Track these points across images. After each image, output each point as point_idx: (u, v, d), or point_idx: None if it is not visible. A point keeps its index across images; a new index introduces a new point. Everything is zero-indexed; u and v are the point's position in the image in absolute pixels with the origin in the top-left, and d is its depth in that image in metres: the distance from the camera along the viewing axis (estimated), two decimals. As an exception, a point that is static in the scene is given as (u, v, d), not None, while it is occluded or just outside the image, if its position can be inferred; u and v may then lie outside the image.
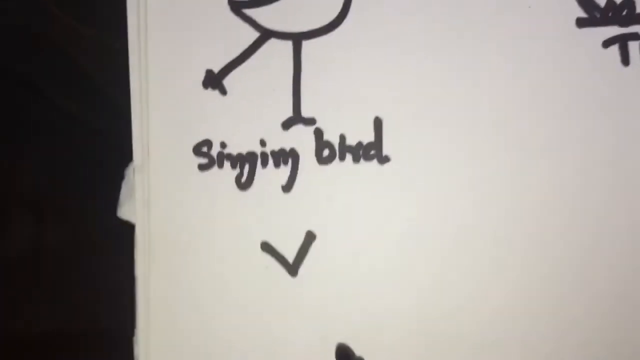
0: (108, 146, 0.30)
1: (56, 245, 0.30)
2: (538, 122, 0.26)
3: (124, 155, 0.29)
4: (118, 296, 0.29)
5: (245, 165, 0.29)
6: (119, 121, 0.29)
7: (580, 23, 0.26)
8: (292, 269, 0.28)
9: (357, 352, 0.27)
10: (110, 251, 0.30)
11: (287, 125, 0.29)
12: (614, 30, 0.26)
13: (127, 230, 0.29)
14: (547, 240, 0.26)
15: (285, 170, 0.29)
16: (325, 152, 0.28)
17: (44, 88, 0.31)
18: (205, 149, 0.29)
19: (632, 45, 0.26)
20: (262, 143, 0.29)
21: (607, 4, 0.26)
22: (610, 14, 0.26)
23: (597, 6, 0.26)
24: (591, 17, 0.26)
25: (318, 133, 0.28)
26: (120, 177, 0.30)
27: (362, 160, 0.28)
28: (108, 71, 0.30)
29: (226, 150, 0.29)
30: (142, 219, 0.29)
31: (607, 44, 0.26)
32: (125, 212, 0.30)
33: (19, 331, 0.29)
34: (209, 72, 0.29)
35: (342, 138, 0.28)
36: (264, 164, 0.29)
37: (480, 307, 0.27)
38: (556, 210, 0.26)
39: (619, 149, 0.26)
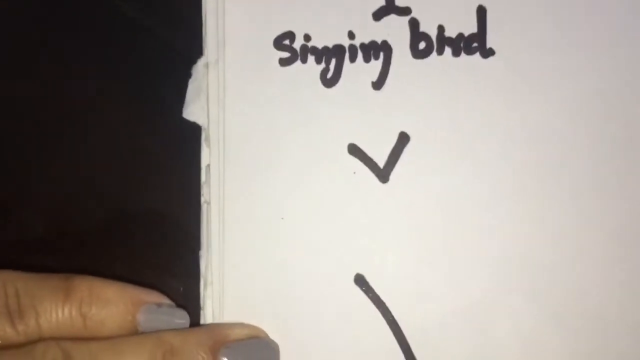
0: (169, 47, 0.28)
1: (115, 151, 0.28)
2: None
3: (188, 55, 0.27)
4: (183, 206, 0.27)
5: (332, 60, 0.26)
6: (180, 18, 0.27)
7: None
8: (383, 174, 0.26)
9: (457, 267, 0.25)
10: (175, 156, 0.27)
11: (378, 15, 0.26)
12: None
13: (195, 131, 0.27)
14: None
15: (376, 65, 0.26)
16: (422, 45, 0.26)
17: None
18: (287, 42, 0.26)
19: None
20: (351, 35, 0.26)
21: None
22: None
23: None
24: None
25: (413, 23, 0.26)
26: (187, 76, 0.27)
27: (462, 54, 0.25)
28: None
29: (310, 43, 0.26)
30: (215, 120, 0.26)
31: None
32: (191, 112, 0.27)
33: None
34: (291, -43, 0.26)
35: (441, 29, 0.26)
36: (353, 58, 0.26)
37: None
38: None
39: None
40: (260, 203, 0.26)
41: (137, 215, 0.27)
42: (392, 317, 0.25)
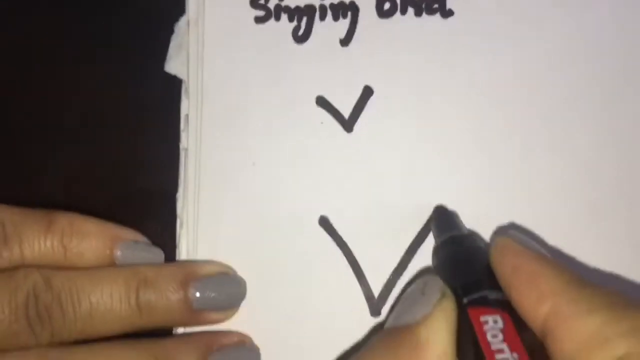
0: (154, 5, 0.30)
1: (102, 100, 0.30)
2: None
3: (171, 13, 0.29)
4: (164, 152, 0.29)
5: (303, 18, 0.28)
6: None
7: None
8: (348, 124, 0.28)
9: (413, 213, 0.27)
10: (156, 106, 0.29)
11: (347, -23, 0.28)
12: None
13: (175, 84, 0.29)
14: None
15: (344, 24, 0.28)
16: (386, 5, 0.28)
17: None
18: (262, 1, 0.28)
19: None
20: (322, -4, 0.28)
21: None
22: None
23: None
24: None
25: (380, -15, 0.28)
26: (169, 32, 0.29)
27: (424, 14, 0.27)
28: None
29: (284, 3, 0.28)
30: (194, 73, 0.28)
31: None
32: (173, 66, 0.29)
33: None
34: None
35: (404, -10, 0.28)
36: (323, 17, 0.28)
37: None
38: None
39: None
40: (234, 150, 0.28)
41: (121, 160, 0.29)
42: (354, 257, 0.27)
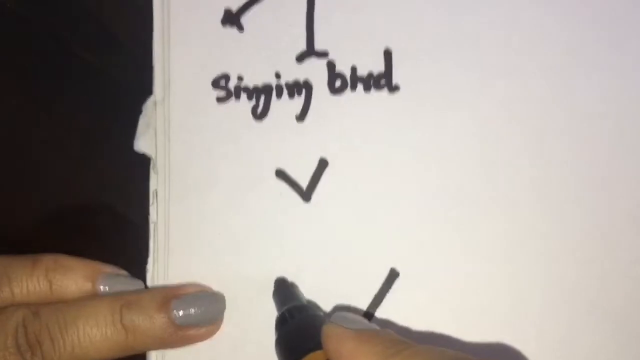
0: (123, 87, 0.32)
1: (70, 178, 0.32)
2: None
3: (139, 93, 0.31)
4: (134, 227, 0.30)
5: (261, 97, 0.30)
6: (132, 61, 0.31)
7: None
8: (306, 194, 0.29)
9: (369, 273, 0.28)
10: (128, 186, 0.31)
11: (301, 58, 0.30)
12: None
13: (144, 162, 0.31)
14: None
15: (299, 101, 0.30)
16: (338, 83, 0.30)
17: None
18: (223, 83, 0.30)
19: None
20: (277, 75, 0.30)
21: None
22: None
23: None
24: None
25: (330, 65, 0.30)
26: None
27: (372, 90, 0.29)
28: (131, 22, 0.32)
29: (243, 83, 0.30)
30: (162, 150, 0.30)
31: None
32: (142, 145, 0.31)
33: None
34: (227, 11, 0.31)
35: (354, 69, 0.30)
36: (279, 95, 0.30)
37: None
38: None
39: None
40: (200, 221, 0.30)
41: (95, 234, 0.31)
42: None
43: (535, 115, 0.28)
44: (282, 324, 0.26)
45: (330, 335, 0.22)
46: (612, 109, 0.28)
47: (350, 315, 0.24)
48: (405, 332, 0.28)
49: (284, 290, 0.28)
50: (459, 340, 0.27)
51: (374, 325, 0.23)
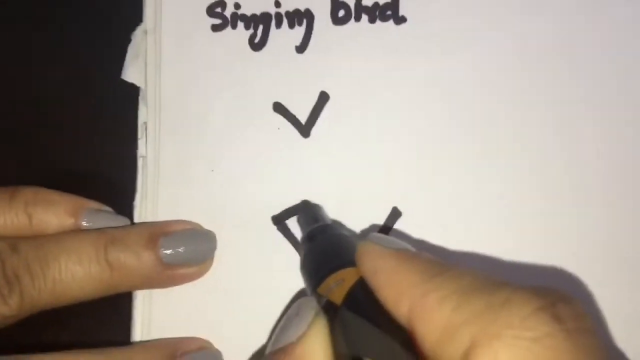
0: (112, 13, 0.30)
1: (58, 103, 0.30)
2: None
3: (129, 22, 0.29)
4: (121, 160, 0.29)
5: (259, 26, 0.28)
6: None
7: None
8: (305, 129, 0.28)
9: (371, 212, 0.27)
10: (114, 114, 0.29)
11: (302, -15, 0.29)
12: None
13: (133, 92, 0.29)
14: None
15: (299, 31, 0.28)
16: (341, 13, 0.28)
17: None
18: (218, 10, 0.29)
19: None
20: (277, 4, 0.28)
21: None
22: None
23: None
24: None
25: (334, -7, 0.28)
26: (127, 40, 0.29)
27: (378, 21, 0.28)
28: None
29: (240, 11, 0.29)
30: (152, 81, 0.28)
31: None
32: (130, 74, 0.29)
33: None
34: None
35: (358, -2, 0.28)
36: (278, 24, 0.28)
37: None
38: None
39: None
40: (192, 157, 0.28)
41: (78, 167, 0.29)
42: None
43: (547, 52, 0.27)
44: (309, 242, 0.24)
45: (368, 252, 0.21)
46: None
47: (387, 236, 0.22)
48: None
49: (309, 211, 0.26)
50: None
51: (412, 248, 0.21)
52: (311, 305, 0.21)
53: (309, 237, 0.25)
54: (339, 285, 0.21)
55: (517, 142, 0.27)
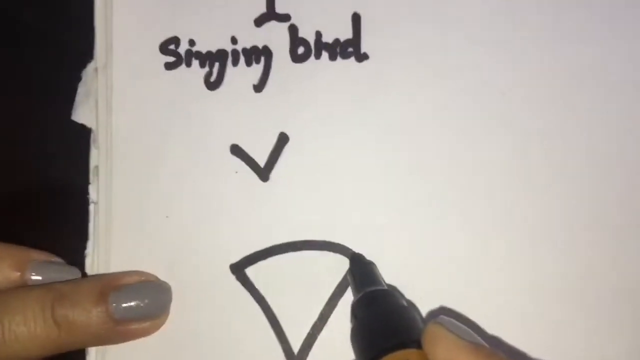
0: (62, 50, 0.29)
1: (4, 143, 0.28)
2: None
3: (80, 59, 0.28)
4: (72, 207, 0.27)
5: (215, 64, 0.27)
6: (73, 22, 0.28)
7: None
8: (264, 173, 0.27)
9: (333, 259, 0.26)
10: (66, 157, 0.28)
11: (260, 21, 0.27)
12: None
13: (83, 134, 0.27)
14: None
15: (257, 69, 0.27)
16: (300, 50, 0.27)
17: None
18: (172, 47, 0.27)
19: None
20: (233, 40, 0.27)
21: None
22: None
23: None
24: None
25: (293, 30, 0.27)
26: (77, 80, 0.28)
27: (339, 58, 0.27)
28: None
29: (195, 48, 0.27)
30: (104, 122, 0.27)
31: None
32: (80, 115, 0.28)
33: None
34: (177, -33, 0.27)
35: (318, 35, 0.27)
36: (235, 62, 0.27)
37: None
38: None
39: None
40: (146, 202, 0.27)
41: (25, 214, 0.28)
42: (272, 312, 0.26)
43: (511, 84, 0.26)
44: (366, 308, 0.23)
45: (440, 338, 0.20)
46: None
47: (457, 322, 0.21)
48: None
49: (362, 268, 0.25)
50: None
51: (483, 342, 0.20)
52: None
53: (365, 302, 0.23)
54: None
55: (479, 176, 0.26)
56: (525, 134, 0.26)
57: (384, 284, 0.25)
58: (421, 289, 0.25)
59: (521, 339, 0.25)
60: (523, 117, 0.26)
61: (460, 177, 0.26)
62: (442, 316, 0.21)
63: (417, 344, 0.20)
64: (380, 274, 0.25)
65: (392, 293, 0.24)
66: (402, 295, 0.25)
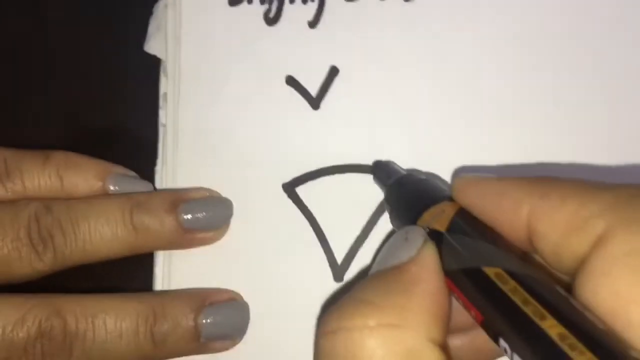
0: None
1: (77, 79, 0.32)
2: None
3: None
4: (143, 128, 0.31)
5: (274, 1, 0.30)
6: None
7: None
8: (315, 102, 0.29)
9: (367, 175, 0.29)
10: (136, 85, 0.31)
11: (315, -38, 0.30)
12: None
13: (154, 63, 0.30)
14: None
15: (312, 6, 0.30)
16: (352, -11, 0.29)
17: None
18: (235, -15, 0.30)
19: None
20: (291, -20, 0.30)
21: None
22: None
23: None
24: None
25: (346, -30, 0.29)
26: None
27: (387, -2, 0.29)
28: None
29: (256, -14, 0.30)
30: (173, 53, 0.30)
31: None
32: (152, 46, 0.31)
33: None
34: None
35: (369, -25, 0.29)
36: (292, 0, 0.30)
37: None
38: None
39: None
40: (209, 125, 0.30)
41: (105, 134, 0.31)
42: (318, 225, 0.29)
43: (552, 31, 0.28)
44: (400, 188, 0.26)
45: (468, 182, 0.22)
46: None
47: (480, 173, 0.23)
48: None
49: (386, 166, 0.28)
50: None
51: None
52: (420, 232, 0.21)
53: (398, 184, 0.26)
54: (438, 217, 0.22)
55: (520, 115, 0.28)
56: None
57: (403, 172, 0.27)
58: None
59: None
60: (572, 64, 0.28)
61: (514, 109, 0.28)
62: (463, 173, 0.24)
63: (449, 199, 0.22)
64: (399, 166, 0.28)
65: (412, 174, 0.27)
66: (422, 173, 0.28)
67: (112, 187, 0.28)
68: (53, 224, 0.27)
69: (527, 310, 0.17)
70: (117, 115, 0.31)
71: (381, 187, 0.28)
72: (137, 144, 0.31)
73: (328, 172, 0.29)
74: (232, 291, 0.29)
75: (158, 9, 0.31)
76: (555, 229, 0.18)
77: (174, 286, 0.29)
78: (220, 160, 0.29)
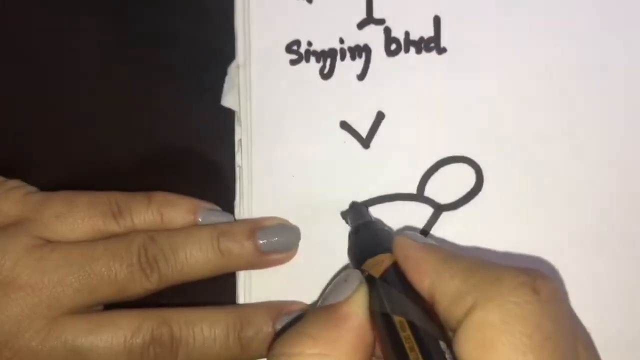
0: (210, 52, 0.38)
1: (168, 130, 0.38)
2: None
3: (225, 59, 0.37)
4: (223, 169, 0.36)
5: (327, 59, 0.35)
6: (218, 30, 0.37)
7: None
8: (365, 142, 0.35)
9: (420, 210, 0.34)
10: (213, 136, 0.37)
11: (361, 25, 0.35)
12: None
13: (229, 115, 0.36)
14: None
15: (359, 63, 0.35)
16: (393, 46, 0.35)
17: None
18: (295, 47, 0.35)
19: None
20: (341, 41, 0.35)
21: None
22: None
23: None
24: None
25: (387, 30, 0.35)
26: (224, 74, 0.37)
27: (423, 52, 0.34)
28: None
29: (312, 48, 0.35)
30: (245, 106, 0.36)
31: None
32: (227, 101, 0.36)
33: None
34: (298, -15, 0.36)
35: (407, 34, 0.34)
36: (342, 57, 0.35)
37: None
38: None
39: None
40: (277, 166, 0.35)
41: (193, 176, 0.37)
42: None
43: (577, 79, 0.33)
44: (356, 233, 0.31)
45: (402, 243, 0.27)
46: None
47: (416, 233, 0.30)
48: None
49: (356, 210, 0.33)
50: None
51: (434, 242, 0.27)
52: (357, 275, 0.27)
53: (356, 229, 0.32)
54: (377, 265, 0.27)
55: (552, 155, 0.33)
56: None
57: (371, 218, 0.33)
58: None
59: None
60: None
61: (546, 149, 0.33)
62: (406, 231, 0.30)
63: (390, 251, 0.27)
64: (369, 212, 0.34)
65: (374, 222, 0.32)
66: (383, 223, 0.34)
67: (201, 220, 0.35)
68: (157, 252, 0.33)
69: (411, 356, 0.22)
70: (202, 160, 0.37)
71: (349, 226, 0.33)
72: (219, 183, 0.37)
73: (377, 201, 0.34)
74: (302, 302, 0.34)
75: (231, 69, 0.37)
76: (444, 301, 0.23)
77: (254, 299, 0.35)
78: (288, 195, 0.35)
